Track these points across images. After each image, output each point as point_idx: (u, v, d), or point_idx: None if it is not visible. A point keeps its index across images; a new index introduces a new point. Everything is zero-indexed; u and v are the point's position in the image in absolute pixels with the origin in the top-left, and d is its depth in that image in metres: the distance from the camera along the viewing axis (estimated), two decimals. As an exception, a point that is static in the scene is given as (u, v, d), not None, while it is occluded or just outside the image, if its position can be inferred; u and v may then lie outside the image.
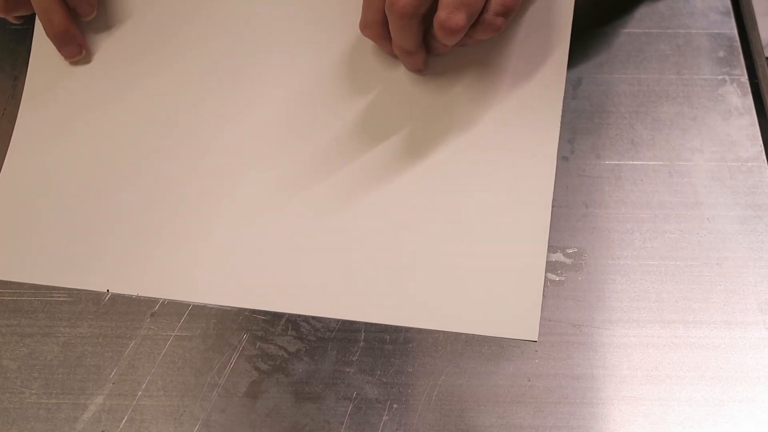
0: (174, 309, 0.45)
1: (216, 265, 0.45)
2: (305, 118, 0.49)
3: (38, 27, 0.52)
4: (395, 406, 0.41)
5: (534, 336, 0.43)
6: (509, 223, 0.46)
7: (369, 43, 0.49)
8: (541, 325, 0.43)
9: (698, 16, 0.55)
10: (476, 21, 0.44)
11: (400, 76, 0.49)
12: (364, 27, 0.47)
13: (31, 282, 0.45)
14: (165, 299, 0.45)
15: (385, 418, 0.41)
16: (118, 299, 0.45)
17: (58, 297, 0.45)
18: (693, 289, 0.45)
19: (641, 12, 0.55)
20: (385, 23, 0.46)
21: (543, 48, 0.49)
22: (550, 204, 0.46)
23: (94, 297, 0.45)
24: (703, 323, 0.44)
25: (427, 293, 0.44)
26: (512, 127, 0.48)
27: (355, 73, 0.49)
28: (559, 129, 0.48)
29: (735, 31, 0.54)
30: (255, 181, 0.47)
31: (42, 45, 0.52)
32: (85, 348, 0.44)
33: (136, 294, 0.45)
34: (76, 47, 0.51)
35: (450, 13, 0.42)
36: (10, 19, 0.51)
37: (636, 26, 0.54)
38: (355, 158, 0.47)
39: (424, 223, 0.46)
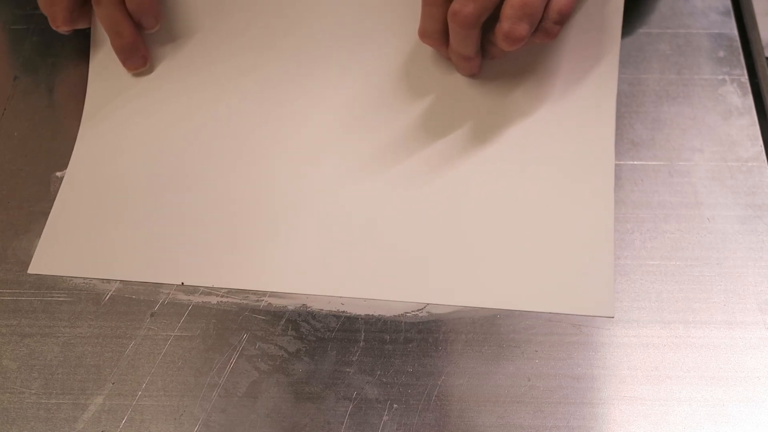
0: (174, 309, 0.45)
1: (285, 256, 0.46)
2: (366, 117, 0.50)
3: (97, 39, 0.53)
4: (395, 406, 0.41)
5: (611, 312, 0.43)
6: (575, 204, 0.46)
7: (427, 48, 0.50)
8: (541, 325, 0.43)
9: (698, 16, 0.55)
10: (535, 28, 0.45)
11: (458, 78, 0.50)
12: (424, 35, 0.48)
13: (103, 277, 0.46)
14: (231, 289, 0.45)
15: (385, 418, 0.41)
16: (118, 299, 0.45)
17: (58, 297, 0.45)
18: (693, 289, 0.45)
19: (641, 12, 0.55)
20: (444, 31, 0.47)
21: (594, 47, 0.50)
22: (613, 179, 0.47)
23: (94, 297, 0.45)
24: (703, 323, 0.44)
25: (503, 275, 0.45)
26: (568, 118, 0.49)
27: (414, 75, 0.51)
28: (614, 112, 0.49)
29: (735, 31, 0.54)
30: (322, 175, 0.48)
31: (101, 56, 0.53)
32: (85, 348, 0.44)
33: (211, 285, 0.45)
34: (140, 59, 0.52)
35: (513, 24, 0.44)
36: (62, 30, 0.51)
37: (636, 26, 0.54)
38: (419, 151, 0.48)
39: (495, 209, 0.47)
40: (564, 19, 0.45)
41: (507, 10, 0.44)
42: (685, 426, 0.41)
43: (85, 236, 0.47)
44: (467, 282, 0.45)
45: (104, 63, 0.52)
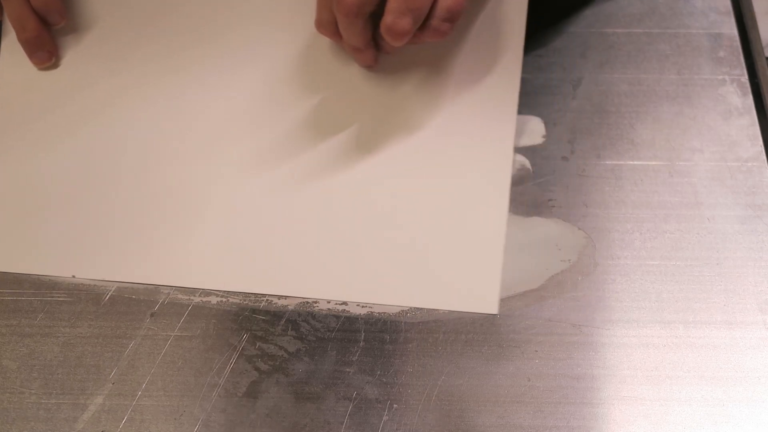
0: (174, 309, 0.45)
1: (180, 248, 0.46)
2: (266, 110, 0.50)
3: (6, 32, 0.53)
4: (395, 406, 0.41)
5: (494, 309, 0.44)
6: (469, 203, 0.47)
7: (327, 40, 0.50)
8: (541, 324, 0.43)
9: (698, 16, 0.55)
10: (423, 25, 0.45)
11: (356, 71, 0.50)
12: (319, 25, 0.48)
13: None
14: (128, 284, 0.45)
15: (385, 418, 0.41)
16: (118, 299, 0.45)
17: (58, 297, 0.45)
18: (693, 289, 0.45)
19: (641, 12, 0.55)
20: (337, 22, 0.47)
21: (497, 45, 0.50)
22: (509, 182, 0.47)
23: (94, 297, 0.45)
24: (703, 323, 0.44)
25: (390, 271, 0.45)
26: (468, 116, 0.49)
27: (313, 67, 0.51)
28: (515, 113, 0.48)
29: (735, 31, 0.54)
30: (218, 171, 0.49)
31: (10, 50, 0.52)
32: (85, 348, 0.44)
33: (102, 278, 0.46)
34: (46, 54, 0.52)
35: (396, 18, 0.43)
36: None
37: (636, 26, 0.54)
38: (314, 147, 0.49)
39: (386, 205, 0.47)
40: (454, 17, 0.45)
41: (391, 3, 0.44)
42: (685, 426, 0.41)
43: None
44: (352, 278, 0.45)
45: (13, 56, 0.52)
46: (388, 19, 0.44)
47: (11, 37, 0.52)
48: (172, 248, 0.46)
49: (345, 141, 0.49)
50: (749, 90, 0.51)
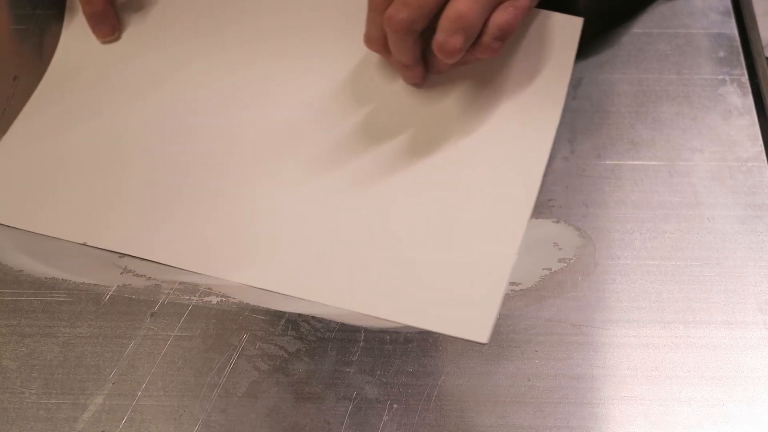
0: (174, 309, 0.45)
1: (200, 235, 0.47)
2: (310, 121, 0.50)
3: (73, 4, 0.55)
4: (395, 406, 0.41)
5: (484, 338, 0.43)
6: (484, 229, 0.46)
7: (375, 55, 0.50)
8: (541, 324, 0.43)
9: (698, 16, 0.55)
10: (474, 42, 0.45)
11: (401, 88, 0.51)
12: (368, 41, 0.48)
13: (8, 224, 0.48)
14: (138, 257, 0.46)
15: (385, 418, 0.41)
16: (118, 299, 0.45)
17: (58, 297, 0.45)
18: (693, 289, 0.45)
19: (641, 12, 0.55)
20: (386, 38, 0.47)
21: (544, 70, 0.50)
22: (528, 218, 0.47)
23: (94, 297, 0.45)
24: (703, 323, 0.44)
25: (391, 285, 0.45)
26: (503, 144, 0.49)
27: (360, 81, 0.51)
28: (548, 153, 0.48)
29: (735, 31, 0.54)
30: (255, 174, 0.49)
31: (77, 21, 0.55)
32: (85, 348, 0.44)
33: (113, 249, 0.46)
34: (109, 27, 0.53)
35: (448, 37, 0.44)
36: None
37: (636, 26, 0.54)
38: (349, 159, 0.49)
39: (408, 220, 0.47)
40: (505, 35, 0.45)
41: (443, 22, 0.44)
42: (685, 426, 0.41)
43: (14, 184, 0.49)
44: (352, 286, 0.45)
45: (78, 28, 0.54)
46: (440, 37, 0.44)
47: (75, 9, 0.54)
48: (195, 234, 0.47)
49: (375, 158, 0.49)
50: (749, 90, 0.51)
